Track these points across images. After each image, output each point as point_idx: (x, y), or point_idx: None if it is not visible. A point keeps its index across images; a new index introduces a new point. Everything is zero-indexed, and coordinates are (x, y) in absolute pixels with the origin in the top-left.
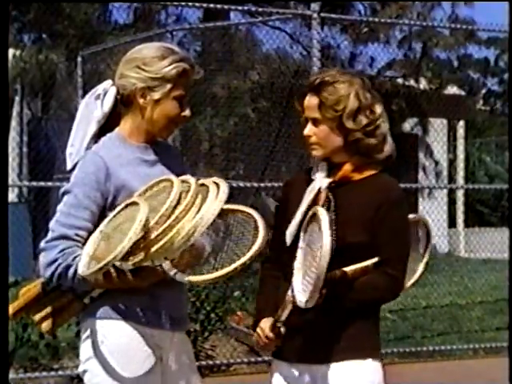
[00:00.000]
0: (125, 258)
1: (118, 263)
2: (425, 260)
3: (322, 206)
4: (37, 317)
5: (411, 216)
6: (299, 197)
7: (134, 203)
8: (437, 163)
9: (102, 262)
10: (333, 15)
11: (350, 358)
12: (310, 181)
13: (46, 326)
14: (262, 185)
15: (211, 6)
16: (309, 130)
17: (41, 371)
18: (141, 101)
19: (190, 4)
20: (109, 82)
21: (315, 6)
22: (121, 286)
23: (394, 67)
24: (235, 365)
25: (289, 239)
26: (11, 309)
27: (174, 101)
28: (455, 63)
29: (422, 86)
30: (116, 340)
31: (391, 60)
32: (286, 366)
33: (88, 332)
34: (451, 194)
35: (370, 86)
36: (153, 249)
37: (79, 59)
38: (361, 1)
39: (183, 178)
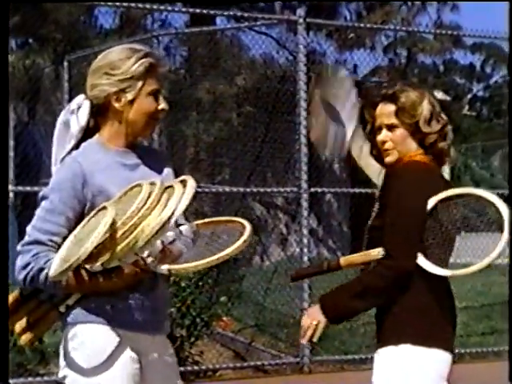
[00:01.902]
0: (93, 259)
1: (88, 266)
2: (496, 251)
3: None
4: (17, 327)
5: (451, 193)
6: None
7: (105, 208)
8: None
9: (67, 263)
10: (318, 20)
11: (385, 345)
12: None
13: (24, 338)
14: (248, 190)
15: (197, 11)
16: (384, 135)
17: (27, 376)
18: (116, 105)
19: (176, 9)
20: (81, 96)
21: (301, 12)
22: (94, 290)
23: (379, 73)
24: (221, 370)
25: None
26: None
27: (148, 97)
28: (441, 68)
29: None
30: (93, 344)
31: (377, 66)
32: None
33: (67, 337)
34: None
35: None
36: (118, 247)
37: (65, 64)
38: (348, 1)
39: (151, 180)
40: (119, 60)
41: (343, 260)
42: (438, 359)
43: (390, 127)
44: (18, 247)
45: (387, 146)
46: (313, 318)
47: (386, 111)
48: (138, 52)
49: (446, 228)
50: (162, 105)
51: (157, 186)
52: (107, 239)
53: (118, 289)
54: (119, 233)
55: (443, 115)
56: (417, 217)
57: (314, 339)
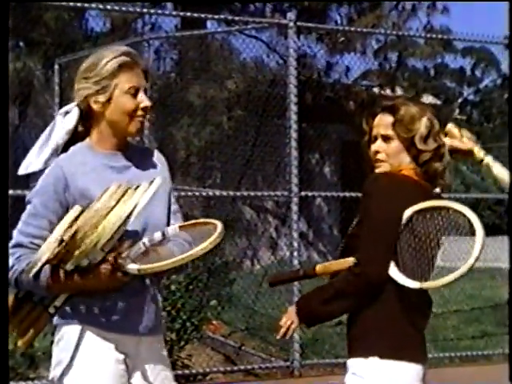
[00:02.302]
0: (65, 259)
1: (63, 265)
2: (467, 264)
3: None
4: (16, 331)
5: (423, 206)
6: None
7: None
8: None
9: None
10: (309, 24)
11: (354, 356)
12: None
13: (21, 342)
14: (239, 193)
15: (188, 14)
16: (378, 146)
17: (17, 380)
18: (95, 107)
19: (167, 12)
20: (74, 102)
21: (291, 15)
22: (76, 290)
23: (369, 77)
24: (211, 374)
25: None
26: None
27: (125, 95)
28: (431, 72)
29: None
30: (76, 346)
31: (367, 69)
32: None
33: (56, 339)
34: None
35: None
36: (83, 246)
37: (56, 67)
38: (339, 2)
39: (120, 181)
40: (94, 63)
41: (319, 267)
42: (407, 372)
43: (386, 138)
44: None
45: (380, 156)
46: (288, 318)
47: (383, 122)
48: (113, 52)
49: (420, 239)
50: (144, 102)
51: (121, 185)
52: (71, 239)
53: (100, 289)
54: (82, 231)
55: (442, 137)
56: (386, 226)
57: (287, 337)
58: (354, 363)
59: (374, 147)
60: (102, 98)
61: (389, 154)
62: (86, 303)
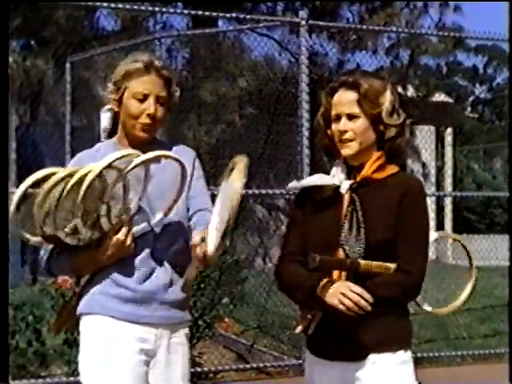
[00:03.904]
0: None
1: (59, 233)
2: (470, 284)
3: (348, 207)
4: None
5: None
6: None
7: None
8: (425, 170)
9: None
10: (321, 23)
11: (381, 351)
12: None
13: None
14: (250, 191)
15: (199, 13)
16: (344, 125)
17: (29, 379)
18: (112, 105)
19: (179, 11)
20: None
21: (303, 14)
22: (86, 265)
23: (381, 74)
24: (223, 372)
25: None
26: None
27: (132, 99)
28: (444, 70)
29: (409, 94)
30: (95, 335)
31: (379, 67)
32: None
33: (80, 329)
34: (439, 201)
35: None
36: (37, 215)
37: (67, 65)
38: (350, 1)
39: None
40: (118, 65)
41: (362, 264)
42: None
43: (351, 117)
44: None
45: (348, 136)
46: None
47: (346, 99)
48: (133, 57)
49: None
50: (149, 109)
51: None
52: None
53: (103, 259)
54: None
55: (401, 111)
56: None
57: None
58: (382, 359)
59: (339, 127)
60: (115, 97)
61: (356, 133)
62: (101, 294)
